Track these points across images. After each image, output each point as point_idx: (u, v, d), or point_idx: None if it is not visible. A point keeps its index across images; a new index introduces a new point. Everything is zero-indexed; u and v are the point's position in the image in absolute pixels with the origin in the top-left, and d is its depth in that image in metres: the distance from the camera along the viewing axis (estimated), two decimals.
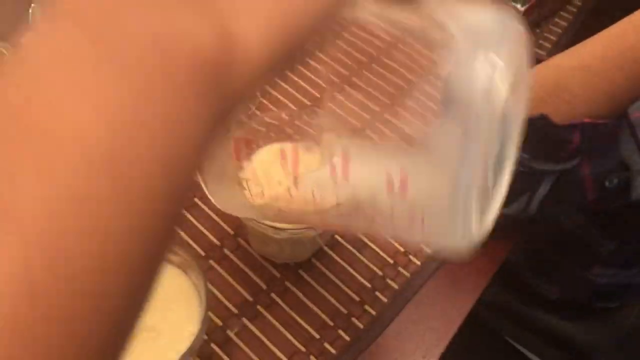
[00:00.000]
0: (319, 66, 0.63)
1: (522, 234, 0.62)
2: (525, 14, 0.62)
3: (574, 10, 0.72)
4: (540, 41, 0.67)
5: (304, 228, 0.43)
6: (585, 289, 0.66)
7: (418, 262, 0.50)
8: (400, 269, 0.50)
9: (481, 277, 0.50)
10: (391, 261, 0.50)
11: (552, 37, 0.68)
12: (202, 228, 0.51)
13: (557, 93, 0.46)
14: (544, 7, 0.66)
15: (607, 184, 0.47)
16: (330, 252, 0.50)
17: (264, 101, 0.58)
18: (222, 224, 0.51)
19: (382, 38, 0.66)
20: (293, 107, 0.58)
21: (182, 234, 0.50)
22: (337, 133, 0.44)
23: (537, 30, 0.68)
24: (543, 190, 0.48)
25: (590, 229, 0.58)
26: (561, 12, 0.71)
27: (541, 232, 0.64)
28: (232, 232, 0.51)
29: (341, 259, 0.50)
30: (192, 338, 0.35)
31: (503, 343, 0.73)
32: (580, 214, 0.57)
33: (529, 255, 0.68)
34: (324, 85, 0.61)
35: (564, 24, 0.70)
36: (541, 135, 0.44)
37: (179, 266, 0.40)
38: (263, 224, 0.42)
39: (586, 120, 0.44)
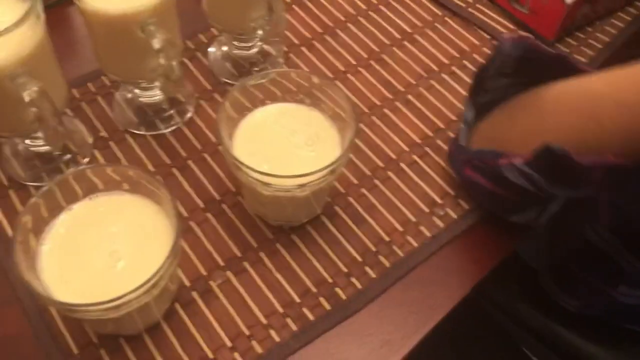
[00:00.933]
0: (349, 40, 0.62)
1: (546, 239, 0.59)
2: (573, 8, 0.58)
3: (635, 12, 0.67)
4: (589, 42, 0.63)
5: (294, 187, 0.42)
6: (609, 307, 0.62)
7: (415, 244, 0.49)
8: (395, 247, 0.49)
9: (477, 268, 0.48)
10: (387, 239, 0.49)
11: (602, 39, 0.63)
12: (205, 181, 0.51)
13: (586, 122, 0.42)
14: (598, 3, 0.62)
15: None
16: (327, 222, 0.50)
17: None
18: (225, 180, 0.51)
19: (419, 15, 0.65)
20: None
21: (185, 183, 0.51)
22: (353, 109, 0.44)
23: (588, 29, 0.64)
24: (556, 206, 0.46)
25: (617, 245, 0.55)
26: (619, 13, 0.67)
27: (565, 240, 0.60)
28: (233, 190, 0.51)
29: (337, 229, 0.49)
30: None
31: (518, 352, 0.70)
32: (606, 227, 0.54)
33: (550, 263, 0.64)
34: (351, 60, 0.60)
35: (620, 25, 0.65)
36: (561, 167, 0.41)
37: (163, 207, 0.41)
38: (253, 178, 0.42)
39: (611, 158, 0.40)
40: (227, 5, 0.52)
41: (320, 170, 0.41)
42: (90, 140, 0.53)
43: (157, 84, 0.51)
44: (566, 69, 0.46)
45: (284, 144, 0.46)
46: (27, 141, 0.50)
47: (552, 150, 0.40)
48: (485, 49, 0.62)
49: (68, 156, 0.51)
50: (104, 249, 0.39)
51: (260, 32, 0.54)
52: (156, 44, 0.44)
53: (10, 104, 0.42)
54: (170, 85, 0.47)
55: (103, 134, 0.54)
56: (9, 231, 0.48)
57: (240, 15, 0.52)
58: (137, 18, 0.44)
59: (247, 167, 0.41)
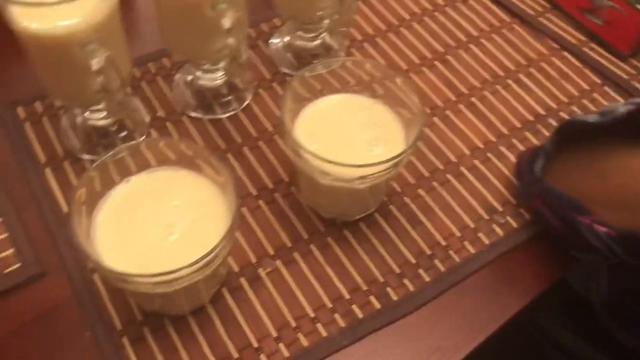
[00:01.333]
0: (413, 39, 0.60)
1: (606, 275, 0.56)
2: None
3: None
4: None
5: (353, 178, 0.41)
6: None
7: (472, 250, 0.47)
8: (451, 252, 0.47)
9: (536, 282, 0.46)
10: (443, 243, 0.47)
11: None
12: (258, 168, 0.50)
13: None
14: None
15: None
16: (381, 220, 0.48)
17: None
18: (279, 169, 0.50)
19: (487, 19, 0.63)
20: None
21: (239, 169, 0.50)
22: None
23: None
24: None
25: None
26: None
27: (626, 278, 0.57)
28: (286, 180, 0.50)
29: (391, 228, 0.48)
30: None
31: None
32: None
33: (609, 299, 0.61)
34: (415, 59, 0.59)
35: None
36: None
37: (220, 186, 0.40)
38: (313, 165, 0.41)
39: None
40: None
41: (383, 162, 0.40)
42: (147, 119, 0.53)
43: (220, 65, 0.51)
44: None
45: (346, 135, 0.44)
46: (87, 113, 0.50)
47: (628, 233, 0.39)
48: (554, 59, 0.60)
49: (124, 133, 0.51)
50: (159, 222, 0.38)
51: (326, 21, 0.53)
52: (226, 23, 0.43)
53: (77, 72, 0.42)
54: (235, 68, 0.46)
55: (160, 114, 0.53)
56: (62, 202, 0.47)
57: (310, 3, 0.51)
58: None
59: (309, 152, 0.40)
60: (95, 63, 0.40)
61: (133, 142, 0.40)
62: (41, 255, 0.45)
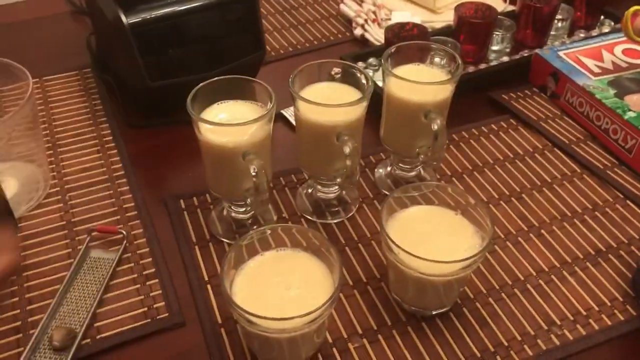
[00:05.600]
0: (495, 180, 0.73)
1: None
2: None
3: None
4: None
5: (432, 274, 0.52)
6: None
7: (530, 353, 0.55)
8: (512, 352, 0.55)
9: None
10: (505, 344, 0.55)
11: None
12: (356, 265, 0.63)
13: None
14: None
15: None
16: (454, 318, 0.58)
17: None
18: (372, 268, 0.62)
19: (559, 168, 0.74)
20: None
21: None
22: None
23: None
24: None
25: None
26: None
27: None
28: (378, 276, 0.61)
29: (462, 326, 0.57)
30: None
31: None
32: None
33: None
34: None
35: None
36: None
37: (329, 267, 0.52)
38: (400, 259, 0.52)
39: None
40: (401, 134, 0.67)
41: (455, 262, 0.51)
42: (274, 217, 0.68)
43: (337, 181, 0.65)
44: None
45: (430, 239, 0.56)
46: (233, 207, 0.65)
47: None
48: (618, 206, 0.69)
49: (256, 226, 0.66)
50: (282, 285, 0.51)
51: (422, 157, 0.67)
52: (347, 149, 0.58)
53: (238, 174, 0.58)
54: (347, 185, 0.61)
55: (285, 215, 0.68)
56: (204, 272, 0.62)
57: (410, 142, 0.66)
58: (336, 129, 0.59)
59: (398, 246, 0.52)
60: (253, 169, 0.55)
61: (268, 226, 0.54)
62: (184, 309, 0.58)
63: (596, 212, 0.68)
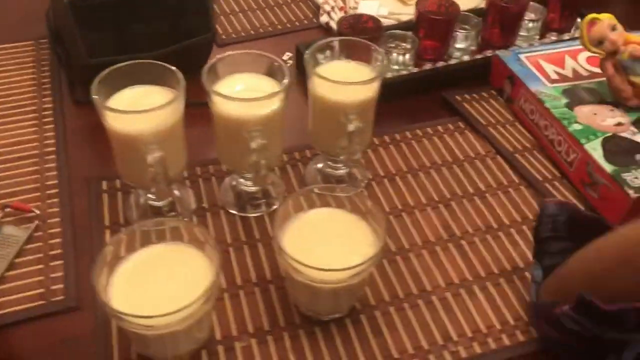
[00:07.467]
0: (427, 184, 0.71)
1: None
2: (637, 202, 0.62)
3: None
4: None
5: (319, 280, 0.51)
6: None
7: None
8: None
9: None
10: (397, 356, 0.54)
11: None
12: (265, 262, 0.61)
13: (623, 266, 0.47)
14: None
15: None
16: (350, 325, 0.56)
17: None
18: (279, 264, 0.61)
19: (498, 178, 0.71)
20: None
21: (249, 258, 0.61)
22: None
23: None
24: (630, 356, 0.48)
25: None
26: None
27: None
28: (283, 275, 0.60)
29: (355, 334, 0.56)
30: None
31: None
32: None
33: None
34: None
35: None
36: (598, 311, 0.46)
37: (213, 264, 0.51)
38: (289, 265, 0.51)
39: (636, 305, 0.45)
40: (322, 132, 0.65)
41: (341, 270, 0.49)
42: (193, 206, 0.67)
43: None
44: (605, 229, 0.51)
45: (328, 244, 0.54)
46: (149, 195, 0.65)
47: (584, 298, 0.46)
48: None
49: (172, 213, 0.65)
50: (162, 280, 0.50)
51: (342, 157, 0.65)
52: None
53: (138, 163, 0.56)
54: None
55: (205, 205, 0.67)
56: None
57: (331, 142, 0.64)
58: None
59: (284, 252, 0.50)
60: (150, 158, 0.54)
61: (158, 219, 0.53)
62: (82, 294, 0.58)
63: (524, 227, 0.66)
